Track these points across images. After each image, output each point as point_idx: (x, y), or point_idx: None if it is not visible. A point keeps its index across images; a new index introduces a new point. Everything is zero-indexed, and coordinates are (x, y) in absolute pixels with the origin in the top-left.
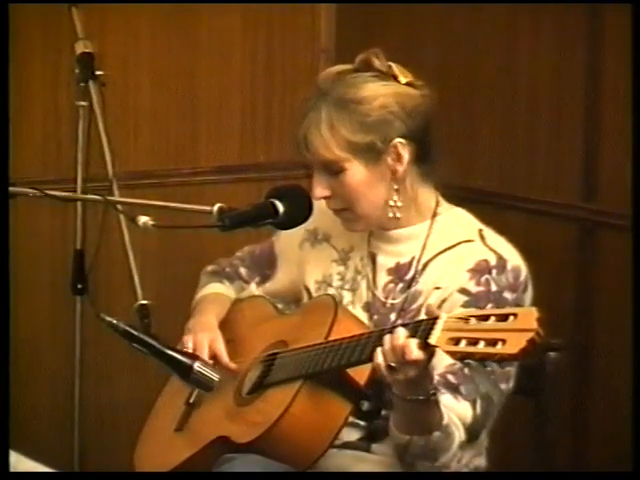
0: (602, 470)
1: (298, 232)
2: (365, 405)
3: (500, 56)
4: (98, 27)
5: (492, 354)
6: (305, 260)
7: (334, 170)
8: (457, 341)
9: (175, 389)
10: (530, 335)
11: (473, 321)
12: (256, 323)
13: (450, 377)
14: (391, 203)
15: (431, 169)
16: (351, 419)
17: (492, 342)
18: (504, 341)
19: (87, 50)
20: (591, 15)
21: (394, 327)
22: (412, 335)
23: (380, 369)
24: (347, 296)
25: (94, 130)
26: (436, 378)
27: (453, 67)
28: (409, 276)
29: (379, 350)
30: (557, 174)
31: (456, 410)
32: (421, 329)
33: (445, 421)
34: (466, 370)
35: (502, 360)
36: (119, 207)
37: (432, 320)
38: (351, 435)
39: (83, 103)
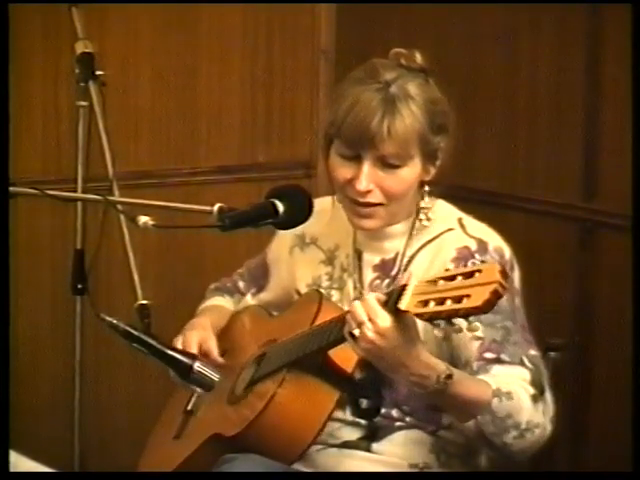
0: (602, 470)
1: (288, 239)
2: (364, 403)
3: (500, 56)
4: (98, 27)
5: (457, 309)
6: (295, 265)
7: (392, 164)
8: (425, 303)
9: (177, 400)
10: (493, 287)
11: (441, 282)
12: (251, 329)
13: (487, 354)
14: (423, 204)
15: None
16: (351, 418)
17: (458, 299)
18: (469, 296)
19: (87, 50)
20: (591, 15)
21: None
22: (384, 303)
23: (349, 336)
24: (335, 295)
25: (94, 130)
26: (476, 364)
27: (453, 67)
28: (394, 272)
29: (347, 316)
30: (557, 174)
31: (511, 373)
32: (392, 297)
33: (493, 386)
34: (497, 340)
35: (468, 314)
36: (119, 207)
37: (402, 287)
38: (351, 434)
39: (83, 103)
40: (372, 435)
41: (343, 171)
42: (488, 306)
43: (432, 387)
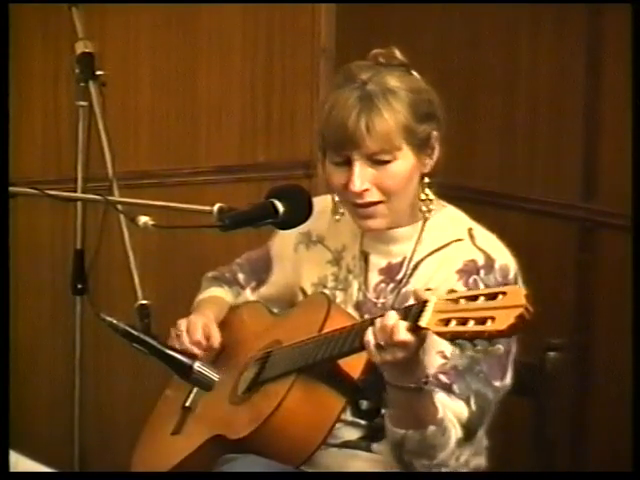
0: (602, 470)
1: (293, 235)
2: (364, 404)
3: (500, 56)
4: (98, 27)
5: (481, 332)
6: (300, 263)
7: (383, 160)
8: (447, 322)
9: (173, 394)
10: (519, 311)
11: (463, 302)
12: (251, 326)
13: (442, 377)
14: (423, 197)
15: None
16: (351, 418)
17: (481, 320)
18: (493, 319)
19: (87, 50)
20: (591, 15)
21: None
22: (403, 318)
23: (369, 347)
24: (339, 296)
25: (94, 130)
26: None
27: (453, 67)
28: (400, 276)
29: (370, 330)
30: (557, 174)
31: (451, 407)
32: (412, 313)
33: (440, 415)
34: (458, 368)
35: (491, 337)
36: (119, 207)
37: (422, 303)
38: (351, 434)
39: (83, 103)
40: (372, 435)
41: (338, 177)
42: (512, 331)
43: (408, 384)
